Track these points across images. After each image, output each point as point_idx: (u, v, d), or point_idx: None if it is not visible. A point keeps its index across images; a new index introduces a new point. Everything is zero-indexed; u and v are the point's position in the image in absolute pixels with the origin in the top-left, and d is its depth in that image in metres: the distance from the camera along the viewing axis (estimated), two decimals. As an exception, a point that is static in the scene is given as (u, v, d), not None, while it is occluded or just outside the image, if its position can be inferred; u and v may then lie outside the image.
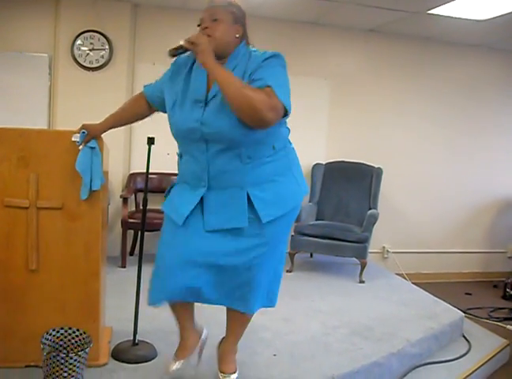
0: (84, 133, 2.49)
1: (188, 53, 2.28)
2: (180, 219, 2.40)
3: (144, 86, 2.65)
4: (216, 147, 2.29)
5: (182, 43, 2.23)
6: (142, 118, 2.69)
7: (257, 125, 2.20)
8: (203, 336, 2.77)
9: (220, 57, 2.29)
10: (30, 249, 2.54)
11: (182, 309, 2.61)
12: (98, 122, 2.59)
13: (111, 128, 2.62)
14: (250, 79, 2.24)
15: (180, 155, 2.50)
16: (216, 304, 2.52)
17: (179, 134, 2.40)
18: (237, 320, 2.64)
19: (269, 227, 2.37)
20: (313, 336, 3.49)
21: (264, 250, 2.42)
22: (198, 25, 2.34)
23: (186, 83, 2.40)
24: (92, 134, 2.52)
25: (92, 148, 2.51)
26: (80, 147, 2.49)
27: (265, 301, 2.61)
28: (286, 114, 2.26)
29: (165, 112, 2.50)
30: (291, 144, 2.54)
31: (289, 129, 2.52)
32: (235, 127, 2.22)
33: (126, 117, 2.69)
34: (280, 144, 2.41)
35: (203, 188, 2.36)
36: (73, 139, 2.50)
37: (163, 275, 2.44)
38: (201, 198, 2.37)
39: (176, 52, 2.26)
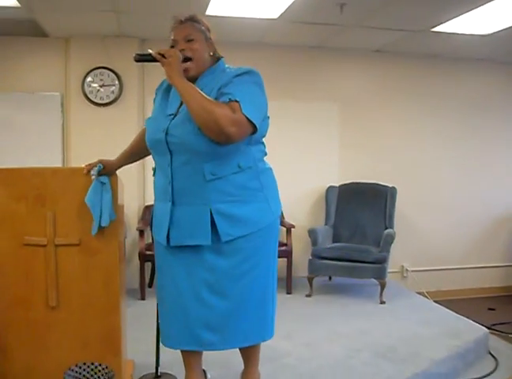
0: (100, 166, 2.53)
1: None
2: (163, 239, 2.41)
3: (146, 120, 2.65)
4: (179, 159, 2.30)
5: (150, 51, 2.25)
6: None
7: (220, 140, 2.19)
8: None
9: (196, 77, 2.33)
10: (49, 286, 2.56)
11: (191, 352, 2.57)
12: (113, 159, 2.64)
13: (124, 164, 2.67)
14: (219, 93, 2.25)
15: (154, 171, 2.52)
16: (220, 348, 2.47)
17: (150, 147, 2.44)
18: (247, 349, 2.61)
19: (232, 246, 2.34)
20: (336, 360, 3.45)
21: (240, 272, 2.37)
22: (171, 47, 2.35)
23: (164, 101, 2.44)
24: (107, 169, 2.56)
25: (103, 183, 2.54)
26: (93, 177, 2.52)
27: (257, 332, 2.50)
28: (254, 131, 2.25)
29: None
30: (266, 164, 2.49)
31: (265, 152, 2.49)
32: (197, 137, 2.21)
33: (136, 152, 2.72)
34: (246, 162, 2.35)
35: (169, 203, 2.36)
36: (91, 172, 2.54)
37: (163, 321, 2.53)
38: None
39: (141, 58, 2.28)
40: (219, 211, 2.30)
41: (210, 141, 2.20)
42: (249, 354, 2.65)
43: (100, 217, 2.52)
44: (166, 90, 2.48)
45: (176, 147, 2.29)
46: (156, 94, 2.57)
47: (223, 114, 2.14)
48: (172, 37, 2.36)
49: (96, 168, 2.53)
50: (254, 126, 2.23)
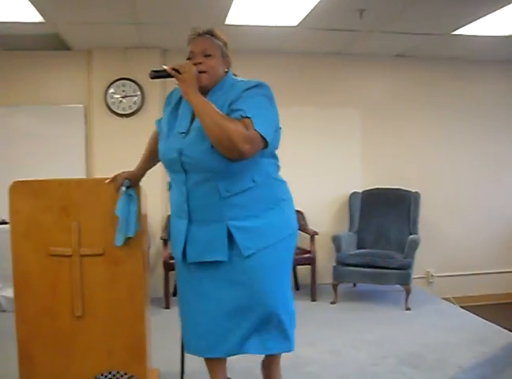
0: (127, 183, 2.58)
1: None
2: (178, 255, 2.43)
3: (155, 121, 2.61)
4: (194, 177, 2.30)
5: (165, 67, 2.25)
6: None
7: (233, 157, 2.18)
8: None
9: (208, 89, 2.32)
10: (75, 295, 2.59)
11: (215, 360, 2.58)
12: (133, 169, 2.67)
13: (145, 172, 2.70)
14: (230, 109, 2.24)
15: (170, 186, 2.50)
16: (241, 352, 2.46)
17: (165, 165, 2.44)
18: (269, 357, 2.61)
19: (254, 260, 2.33)
20: (361, 368, 3.43)
21: (258, 285, 2.36)
22: (188, 58, 2.34)
23: (174, 115, 2.43)
24: (133, 182, 2.61)
25: (130, 195, 2.58)
26: (123, 189, 2.56)
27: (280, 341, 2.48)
28: (266, 145, 2.24)
29: None
30: (280, 177, 2.49)
31: (278, 165, 2.48)
32: (211, 156, 2.21)
33: (154, 157, 2.64)
34: (261, 177, 2.35)
35: (185, 220, 2.36)
36: (122, 188, 2.58)
37: (188, 330, 2.51)
38: None
39: (156, 74, 2.28)
40: (236, 226, 2.30)
41: (224, 159, 2.20)
42: (270, 364, 2.64)
43: (127, 228, 2.55)
44: (176, 104, 2.46)
45: (191, 166, 2.29)
46: (166, 103, 2.55)
47: (236, 130, 2.13)
48: (190, 49, 2.37)
49: (123, 188, 2.58)
50: (266, 141, 2.22)
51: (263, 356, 2.63)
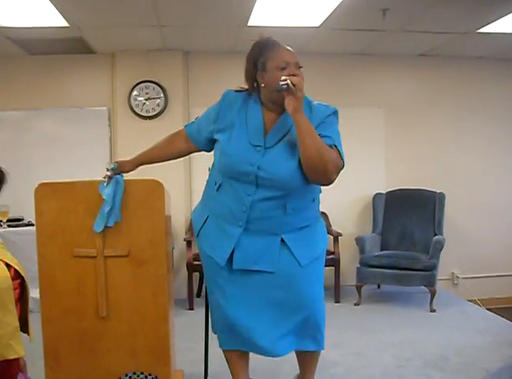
0: (115, 164, 2.57)
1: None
2: (221, 260, 2.39)
3: (185, 126, 2.59)
4: (264, 193, 2.25)
5: (289, 82, 2.12)
6: (178, 157, 2.67)
7: (319, 183, 2.30)
8: None
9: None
10: (99, 296, 2.61)
11: (239, 358, 2.60)
12: (129, 159, 2.66)
13: (141, 165, 2.64)
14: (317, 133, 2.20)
15: (218, 186, 2.39)
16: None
17: (229, 173, 2.31)
18: (307, 356, 2.60)
19: (308, 269, 2.38)
20: (386, 370, 3.40)
21: (308, 291, 2.43)
22: (282, 68, 2.22)
23: (241, 122, 2.32)
24: (121, 169, 2.56)
25: (118, 182, 2.54)
26: (108, 173, 2.53)
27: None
28: None
29: (207, 151, 2.53)
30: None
31: None
32: (292, 177, 2.22)
33: (160, 155, 2.66)
34: (317, 195, 2.45)
35: (239, 228, 2.32)
36: (106, 167, 2.57)
37: (226, 327, 2.50)
38: None
39: (281, 88, 2.14)
40: (291, 238, 2.34)
41: (303, 181, 2.24)
42: (307, 365, 2.64)
43: (110, 216, 2.52)
44: (242, 112, 2.35)
45: (266, 182, 2.24)
46: (222, 105, 2.39)
47: (332, 161, 2.18)
48: (285, 58, 2.26)
49: (112, 165, 2.55)
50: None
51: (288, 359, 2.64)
